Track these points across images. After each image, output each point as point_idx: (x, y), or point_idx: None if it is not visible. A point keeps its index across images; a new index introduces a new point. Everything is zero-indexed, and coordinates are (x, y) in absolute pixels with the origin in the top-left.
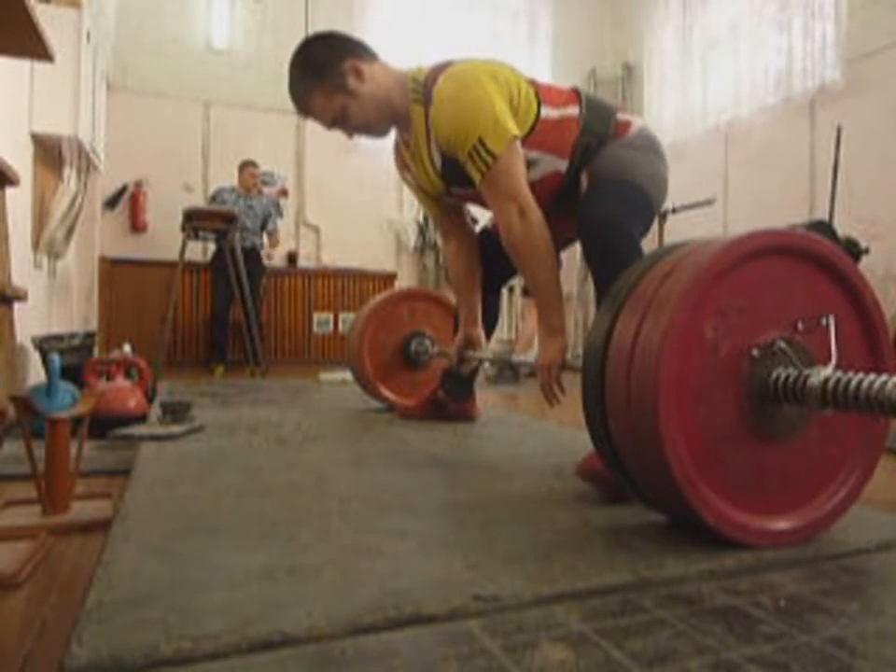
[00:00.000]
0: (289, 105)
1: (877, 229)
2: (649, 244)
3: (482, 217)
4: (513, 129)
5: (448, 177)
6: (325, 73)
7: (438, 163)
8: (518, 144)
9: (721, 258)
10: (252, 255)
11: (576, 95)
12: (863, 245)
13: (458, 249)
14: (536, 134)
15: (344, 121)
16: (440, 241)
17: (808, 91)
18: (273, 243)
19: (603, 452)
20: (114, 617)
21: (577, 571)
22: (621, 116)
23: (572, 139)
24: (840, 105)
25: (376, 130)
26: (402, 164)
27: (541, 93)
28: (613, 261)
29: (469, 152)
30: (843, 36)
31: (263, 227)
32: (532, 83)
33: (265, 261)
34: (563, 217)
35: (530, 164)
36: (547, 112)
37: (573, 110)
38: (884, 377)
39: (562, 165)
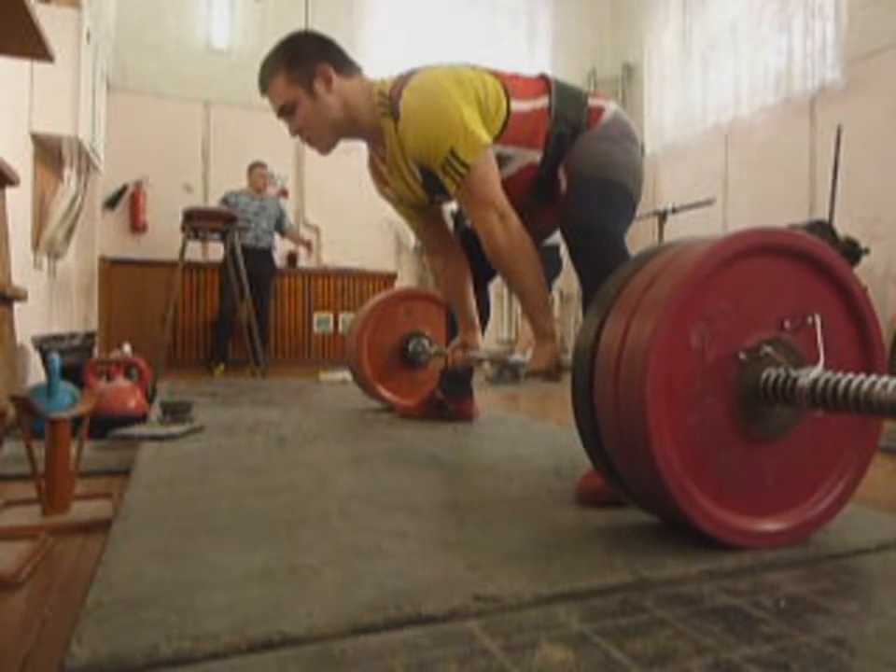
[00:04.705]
0: None
1: (877, 229)
2: (648, 243)
3: None
4: (484, 136)
5: (430, 187)
6: (298, 62)
7: (418, 175)
8: (490, 151)
9: (704, 262)
10: (266, 255)
11: (545, 84)
12: (863, 245)
13: (446, 262)
14: (509, 130)
15: (291, 115)
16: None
17: (808, 91)
18: (299, 238)
19: (595, 460)
20: (114, 617)
21: (577, 571)
22: (592, 102)
23: (545, 130)
24: (840, 105)
25: (318, 139)
26: (380, 180)
27: (509, 86)
28: (600, 265)
29: (442, 164)
30: (843, 36)
31: (279, 227)
32: (497, 76)
33: (303, 260)
34: (541, 209)
35: (506, 160)
36: (518, 106)
37: (543, 101)
38: (873, 377)
39: (536, 157)
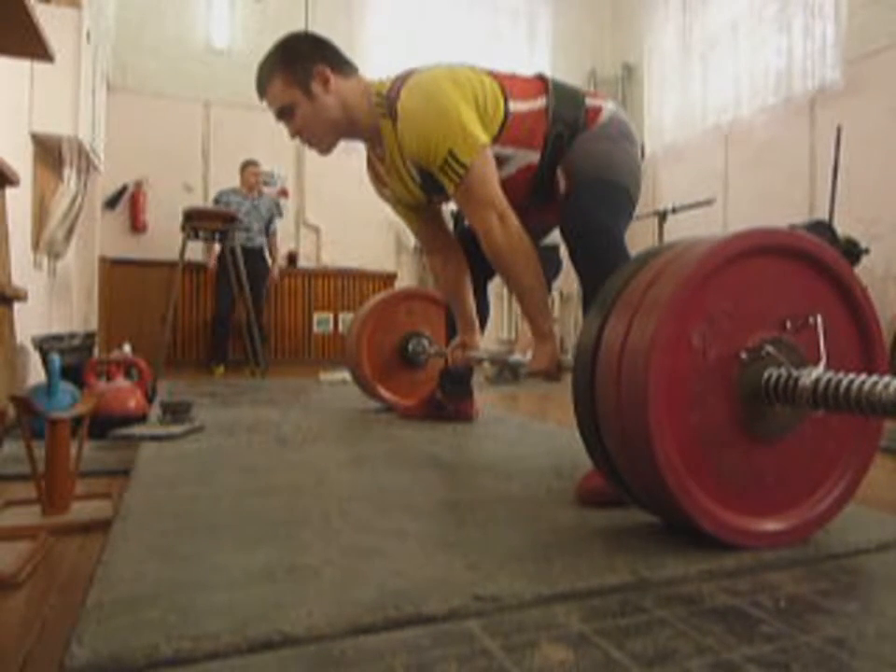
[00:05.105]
0: None
1: (877, 229)
2: (648, 243)
3: None
4: (482, 136)
5: (428, 188)
6: (295, 63)
7: (416, 175)
8: (488, 151)
9: (705, 262)
10: (258, 255)
11: (542, 84)
12: (863, 245)
13: (445, 262)
14: (507, 130)
15: (290, 117)
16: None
17: (808, 91)
18: (274, 250)
19: (596, 459)
20: (114, 617)
21: (577, 571)
22: (590, 101)
23: (543, 130)
24: (840, 105)
25: (318, 140)
26: (378, 181)
27: (506, 87)
28: (600, 265)
29: (441, 165)
30: (843, 36)
31: (268, 227)
32: (495, 77)
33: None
34: (540, 209)
35: (504, 161)
36: (516, 106)
37: (541, 101)
38: (874, 378)
39: (534, 157)
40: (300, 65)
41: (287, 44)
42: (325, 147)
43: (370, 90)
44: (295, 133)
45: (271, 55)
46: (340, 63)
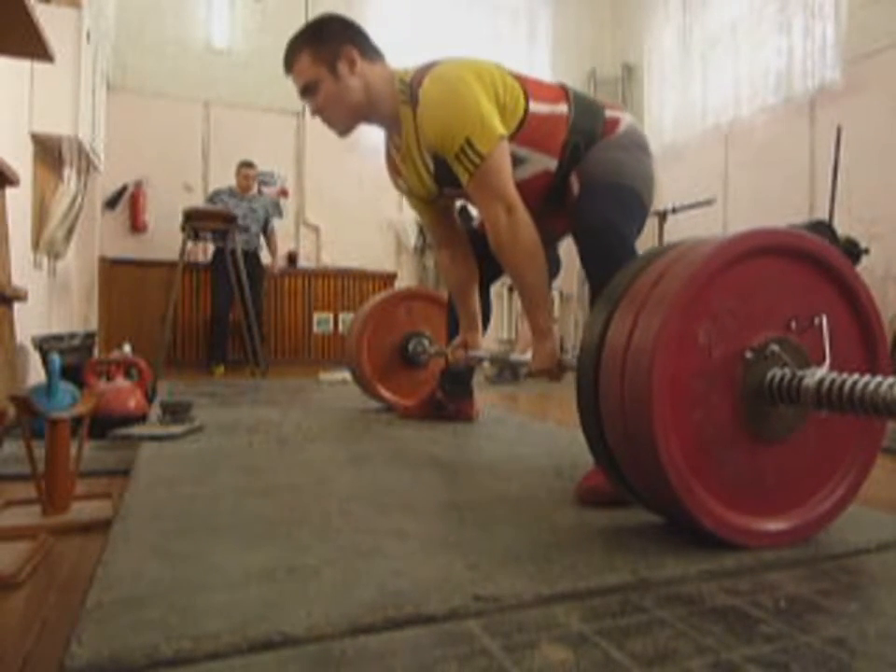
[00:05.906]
0: (289, 104)
1: (877, 229)
2: (648, 243)
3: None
4: (500, 128)
5: (441, 179)
6: (324, 41)
7: (430, 165)
8: (505, 143)
9: (710, 262)
10: (253, 257)
11: (564, 93)
12: (863, 245)
13: (453, 257)
14: (524, 130)
15: (313, 94)
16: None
17: (808, 91)
18: (273, 246)
19: (599, 457)
20: (114, 617)
21: (577, 571)
22: (609, 113)
23: (561, 137)
24: (840, 105)
25: (337, 121)
26: (394, 170)
27: (529, 88)
28: (609, 264)
29: (457, 153)
30: (843, 36)
31: (265, 228)
32: (518, 78)
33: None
34: (551, 215)
35: (519, 161)
36: (535, 107)
37: (562, 108)
38: (878, 378)
39: (552, 164)
40: (328, 44)
41: (319, 23)
42: (343, 129)
43: (394, 76)
44: (316, 111)
45: (301, 32)
46: (368, 48)
